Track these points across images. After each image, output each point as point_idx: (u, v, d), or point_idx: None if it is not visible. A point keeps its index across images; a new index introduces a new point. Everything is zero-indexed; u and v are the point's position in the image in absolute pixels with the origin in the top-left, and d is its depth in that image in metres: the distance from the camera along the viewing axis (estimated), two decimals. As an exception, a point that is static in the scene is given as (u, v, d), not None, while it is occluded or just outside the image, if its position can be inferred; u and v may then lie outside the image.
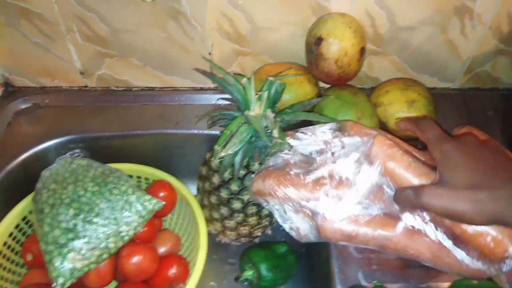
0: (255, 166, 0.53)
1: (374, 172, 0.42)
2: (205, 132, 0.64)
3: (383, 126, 0.60)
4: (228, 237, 0.60)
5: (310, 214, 0.43)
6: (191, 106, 0.67)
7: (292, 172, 0.44)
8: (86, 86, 0.69)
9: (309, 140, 0.46)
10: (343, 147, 0.44)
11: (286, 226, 0.46)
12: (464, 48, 0.64)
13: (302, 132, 0.48)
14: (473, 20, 0.60)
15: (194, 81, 0.68)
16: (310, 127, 0.48)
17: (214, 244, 0.62)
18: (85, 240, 0.50)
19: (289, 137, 0.48)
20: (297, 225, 0.45)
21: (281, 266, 0.59)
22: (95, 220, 0.51)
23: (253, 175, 0.50)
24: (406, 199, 0.40)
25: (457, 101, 0.69)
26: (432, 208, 0.38)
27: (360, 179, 0.42)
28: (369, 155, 0.42)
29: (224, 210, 0.55)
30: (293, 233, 0.46)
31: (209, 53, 0.64)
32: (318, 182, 0.42)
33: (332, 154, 0.44)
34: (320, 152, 0.45)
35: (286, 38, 0.62)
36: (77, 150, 0.63)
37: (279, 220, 0.46)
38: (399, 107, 0.59)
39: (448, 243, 0.40)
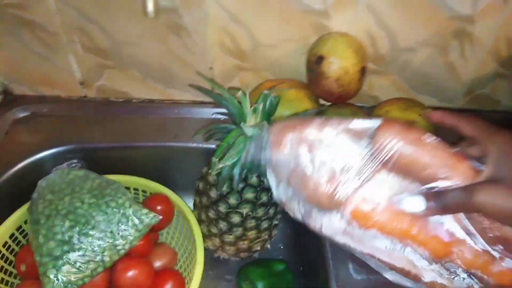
0: (253, 179, 0.53)
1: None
2: (204, 145, 0.64)
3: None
4: (227, 252, 0.60)
5: None
6: (191, 119, 0.67)
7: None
8: (85, 96, 0.68)
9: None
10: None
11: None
12: (464, 70, 0.65)
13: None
14: (473, 44, 0.61)
15: (194, 94, 0.68)
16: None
17: (211, 260, 0.61)
18: (80, 253, 0.50)
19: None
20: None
21: (278, 284, 0.59)
22: (91, 232, 0.51)
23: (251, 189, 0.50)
24: (454, 200, 0.34)
25: (456, 122, 0.69)
26: (489, 208, 0.33)
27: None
28: (375, 140, 0.35)
29: (223, 225, 0.55)
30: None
31: (210, 68, 0.64)
32: None
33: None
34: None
35: (287, 55, 0.62)
36: (74, 161, 0.63)
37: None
38: (398, 127, 0.59)
39: (495, 253, 0.36)
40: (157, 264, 0.59)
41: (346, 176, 0.36)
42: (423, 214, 0.35)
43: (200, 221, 0.57)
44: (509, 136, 0.35)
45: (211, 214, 0.54)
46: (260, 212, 0.54)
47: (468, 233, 0.35)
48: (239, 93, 0.49)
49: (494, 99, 0.70)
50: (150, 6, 0.42)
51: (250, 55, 0.62)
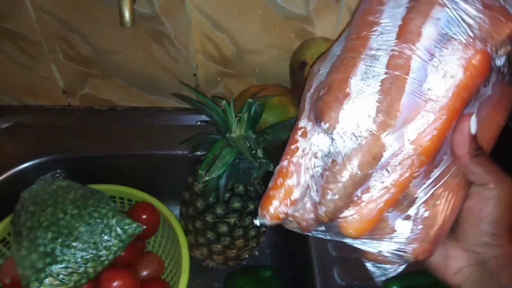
0: (240, 188, 0.53)
1: None
2: (189, 152, 0.64)
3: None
4: (216, 261, 0.59)
5: None
6: (176, 126, 0.67)
7: None
8: (69, 105, 0.68)
9: None
10: None
11: None
12: None
13: None
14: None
15: (179, 101, 0.68)
16: None
17: (198, 268, 0.61)
18: (63, 265, 0.49)
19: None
20: None
21: (265, 291, 0.59)
22: (73, 244, 0.50)
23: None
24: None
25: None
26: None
27: None
28: None
29: (210, 235, 0.54)
30: None
31: (194, 75, 0.64)
32: None
33: None
34: None
35: (271, 60, 0.62)
36: (58, 171, 0.62)
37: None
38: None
39: None
40: (144, 273, 0.58)
41: None
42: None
43: (187, 231, 0.57)
44: None
45: (198, 224, 0.54)
46: (248, 220, 0.54)
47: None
48: (223, 102, 0.49)
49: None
50: (127, 16, 0.42)
51: (234, 61, 0.62)
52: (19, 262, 0.50)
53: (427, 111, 0.28)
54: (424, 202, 0.30)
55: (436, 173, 0.30)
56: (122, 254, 0.54)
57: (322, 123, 0.30)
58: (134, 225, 0.53)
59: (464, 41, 0.28)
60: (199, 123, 0.58)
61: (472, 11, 0.29)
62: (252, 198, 0.53)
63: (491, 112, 0.31)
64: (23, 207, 0.54)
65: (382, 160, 0.29)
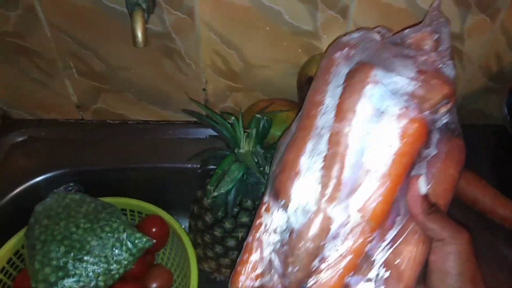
0: (248, 203, 0.53)
1: None
2: (199, 166, 0.65)
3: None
4: (224, 274, 0.60)
5: None
6: (186, 139, 0.68)
7: None
8: (82, 119, 0.69)
9: None
10: None
11: None
12: (456, 86, 0.65)
13: None
14: (463, 60, 0.62)
15: (189, 115, 0.69)
16: None
17: (207, 281, 0.61)
18: (75, 278, 0.50)
19: None
20: None
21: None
22: (85, 258, 0.51)
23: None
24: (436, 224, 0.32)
25: (449, 137, 0.70)
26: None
27: None
28: None
29: (219, 249, 0.55)
30: None
31: (204, 89, 0.65)
32: None
33: None
34: None
35: (279, 75, 0.63)
36: (71, 184, 0.64)
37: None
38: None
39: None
40: (153, 285, 0.59)
41: None
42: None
43: (196, 245, 0.57)
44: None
45: (207, 238, 0.54)
46: (255, 233, 0.54)
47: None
48: (232, 118, 0.50)
49: (486, 113, 0.70)
50: (140, 37, 0.43)
51: (242, 76, 0.63)
52: (32, 275, 0.51)
53: (369, 180, 0.30)
54: (384, 263, 0.31)
55: (391, 234, 0.32)
56: (132, 267, 0.55)
57: (279, 200, 0.32)
58: (145, 239, 0.54)
59: (398, 112, 0.30)
60: (208, 136, 0.59)
61: (405, 82, 0.31)
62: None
63: (442, 168, 0.32)
64: (37, 221, 0.55)
65: (332, 231, 0.31)
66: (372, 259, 0.31)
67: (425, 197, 0.32)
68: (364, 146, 0.31)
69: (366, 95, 0.31)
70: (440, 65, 0.33)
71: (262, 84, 0.64)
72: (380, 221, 0.31)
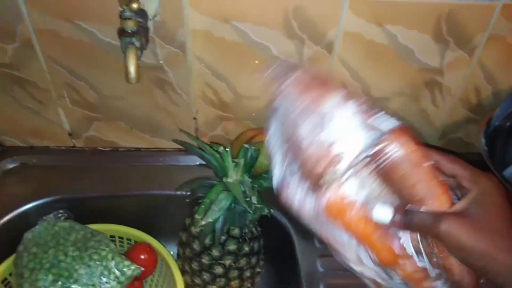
0: (236, 231, 0.54)
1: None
2: (188, 193, 0.66)
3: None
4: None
5: None
6: (176, 167, 0.70)
7: None
8: (74, 146, 0.71)
9: None
10: None
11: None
12: (437, 116, 0.68)
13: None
14: (443, 93, 0.64)
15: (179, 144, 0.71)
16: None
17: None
18: (62, 307, 0.50)
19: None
20: None
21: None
22: (73, 286, 0.51)
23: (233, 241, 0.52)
24: (421, 223, 0.35)
25: (433, 165, 0.72)
26: (449, 239, 0.34)
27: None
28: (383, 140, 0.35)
29: (206, 276, 0.56)
30: None
31: (194, 118, 0.67)
32: None
33: None
34: None
35: (267, 105, 0.65)
36: (61, 211, 0.64)
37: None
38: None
39: (433, 273, 0.38)
40: (141, 313, 0.59)
41: (340, 163, 0.35)
42: (385, 226, 0.36)
43: (183, 272, 0.58)
44: (491, 180, 0.36)
45: (195, 265, 0.55)
46: (243, 262, 0.55)
47: (417, 252, 0.37)
48: (221, 148, 0.52)
49: (467, 142, 0.72)
50: (133, 73, 0.45)
51: (232, 106, 0.65)
52: (19, 303, 0.51)
53: None
54: None
55: None
56: (120, 295, 0.55)
57: None
58: (133, 267, 0.54)
59: None
60: (198, 164, 0.60)
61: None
62: (247, 241, 0.55)
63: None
64: (26, 248, 0.55)
65: None
66: None
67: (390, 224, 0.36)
68: None
69: None
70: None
71: (251, 114, 0.66)
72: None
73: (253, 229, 0.56)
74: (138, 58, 0.46)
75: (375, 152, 0.35)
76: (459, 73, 0.62)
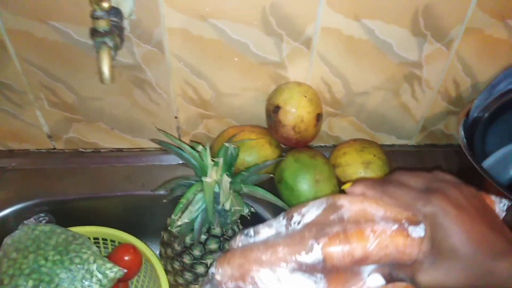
0: (216, 230, 0.54)
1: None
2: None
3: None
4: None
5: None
6: (158, 166, 0.69)
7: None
8: (54, 149, 0.70)
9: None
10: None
11: None
12: (416, 109, 0.68)
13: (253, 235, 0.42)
14: (422, 86, 0.65)
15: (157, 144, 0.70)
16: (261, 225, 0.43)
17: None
18: (44, 312, 0.50)
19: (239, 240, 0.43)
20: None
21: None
22: (54, 291, 0.51)
23: (213, 244, 0.52)
24: (404, 279, 0.35)
25: (414, 158, 0.72)
26: (433, 285, 0.33)
27: None
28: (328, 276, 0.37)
29: (189, 275, 0.55)
30: None
31: (175, 117, 0.66)
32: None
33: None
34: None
35: (248, 102, 0.65)
36: (42, 214, 0.63)
37: None
38: (355, 168, 0.61)
39: None
40: (126, 315, 0.59)
41: None
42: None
43: (166, 272, 0.58)
44: (440, 193, 0.33)
45: (176, 265, 0.55)
46: (225, 260, 0.55)
47: None
48: (200, 147, 0.51)
49: (447, 134, 0.73)
50: (106, 74, 0.44)
51: (213, 104, 0.65)
52: (0, 310, 0.51)
53: None
54: None
55: None
56: (104, 297, 0.55)
57: None
58: (115, 269, 0.54)
59: None
60: (179, 163, 0.60)
61: None
62: (229, 239, 0.55)
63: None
64: (5, 254, 0.54)
65: None
66: None
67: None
68: None
69: None
70: None
71: (232, 111, 0.66)
72: None
73: (235, 227, 0.56)
74: (112, 58, 0.45)
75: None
76: (437, 66, 0.63)
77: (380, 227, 0.36)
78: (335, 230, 0.36)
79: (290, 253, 0.37)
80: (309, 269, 0.37)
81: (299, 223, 0.40)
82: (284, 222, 0.41)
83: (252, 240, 0.42)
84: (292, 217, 0.40)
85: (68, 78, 0.60)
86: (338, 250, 0.36)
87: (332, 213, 0.38)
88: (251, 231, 0.42)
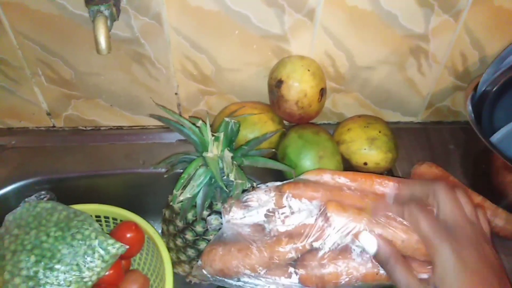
0: (218, 205, 0.54)
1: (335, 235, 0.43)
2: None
3: (347, 163, 0.62)
4: (198, 278, 0.60)
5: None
6: (159, 144, 0.68)
7: (253, 248, 0.45)
8: (53, 126, 0.69)
9: (255, 210, 0.46)
10: (292, 212, 0.45)
11: None
12: (423, 85, 0.67)
13: (247, 201, 0.47)
14: (429, 60, 0.63)
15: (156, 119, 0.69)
16: (253, 192, 0.47)
17: (184, 284, 0.61)
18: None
19: (236, 208, 0.48)
20: None
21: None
22: (56, 266, 0.51)
23: (214, 219, 0.51)
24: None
25: (420, 135, 0.71)
26: None
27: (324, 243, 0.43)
28: (326, 221, 0.43)
29: (191, 252, 0.55)
30: None
31: (176, 93, 0.65)
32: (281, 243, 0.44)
33: (282, 221, 0.45)
34: (268, 220, 0.46)
35: (250, 78, 0.64)
36: (43, 192, 0.63)
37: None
38: (360, 144, 0.60)
39: None
40: (129, 291, 0.59)
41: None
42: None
43: (169, 249, 0.57)
44: (456, 254, 0.35)
45: (179, 242, 0.54)
46: (227, 236, 0.55)
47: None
48: (200, 122, 0.50)
49: (454, 110, 0.72)
50: (103, 44, 0.43)
51: (214, 79, 0.63)
52: (2, 286, 0.51)
53: None
54: None
55: None
56: (107, 274, 0.55)
57: None
58: (117, 245, 0.54)
59: None
60: (177, 141, 0.59)
61: None
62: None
63: None
64: (7, 230, 0.54)
65: None
66: None
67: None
68: None
69: None
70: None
71: (234, 87, 0.65)
72: None
73: (238, 203, 0.56)
74: (108, 28, 0.44)
75: None
76: (444, 39, 0.61)
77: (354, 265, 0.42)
78: (313, 265, 0.43)
79: (268, 268, 0.44)
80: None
81: (284, 218, 0.45)
82: (273, 197, 0.46)
83: (241, 215, 0.47)
84: (282, 204, 0.45)
85: (65, 52, 0.59)
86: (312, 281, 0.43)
87: (320, 225, 0.42)
88: (244, 197, 0.47)
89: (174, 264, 0.58)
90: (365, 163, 0.60)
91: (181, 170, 0.52)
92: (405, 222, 0.42)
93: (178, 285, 0.55)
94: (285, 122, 0.65)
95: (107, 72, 0.61)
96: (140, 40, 0.58)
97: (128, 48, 0.58)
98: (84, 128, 0.69)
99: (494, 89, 0.59)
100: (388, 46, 0.61)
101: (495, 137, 0.57)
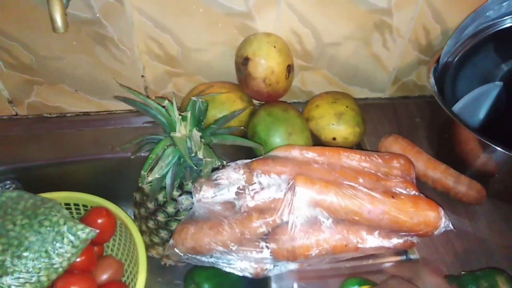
0: (189, 185, 0.53)
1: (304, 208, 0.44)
2: (142, 154, 0.64)
3: (316, 139, 0.63)
4: (172, 259, 0.60)
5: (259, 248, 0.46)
6: (127, 129, 0.67)
7: (225, 224, 0.46)
8: (16, 115, 0.67)
9: (225, 188, 0.48)
10: (262, 188, 0.46)
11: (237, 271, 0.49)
12: (388, 60, 0.68)
13: (217, 179, 0.49)
14: (393, 34, 0.64)
15: (122, 101, 0.68)
16: (223, 170, 0.49)
17: (158, 267, 0.61)
18: (15, 276, 0.49)
19: (206, 187, 0.49)
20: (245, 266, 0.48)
21: (224, 284, 0.60)
22: (24, 254, 0.50)
23: (185, 198, 0.51)
24: None
25: (387, 110, 0.72)
26: None
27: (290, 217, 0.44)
28: (294, 194, 0.44)
29: (164, 233, 0.55)
30: (246, 274, 0.49)
31: (142, 76, 0.64)
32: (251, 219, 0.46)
33: (252, 197, 0.46)
34: (239, 197, 0.46)
35: (217, 58, 0.63)
36: (8, 182, 0.61)
37: (224, 266, 0.50)
38: (329, 120, 0.61)
39: None
40: (103, 277, 0.58)
41: None
42: None
43: (141, 232, 0.57)
44: None
45: (151, 224, 0.54)
46: (200, 216, 0.55)
47: None
48: (166, 102, 0.50)
49: (420, 85, 0.73)
50: (59, 22, 0.42)
51: (180, 60, 0.63)
52: (-31, 276, 0.49)
53: None
54: None
55: None
56: (78, 259, 0.54)
57: None
58: (87, 230, 0.53)
59: None
60: (144, 123, 0.58)
61: None
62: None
63: None
64: (-29, 222, 0.53)
65: None
66: None
67: None
68: None
69: None
70: None
71: (201, 68, 0.64)
72: None
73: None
74: (64, 6, 0.43)
75: None
76: (407, 13, 0.62)
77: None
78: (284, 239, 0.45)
79: (239, 244, 0.46)
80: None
81: (254, 194, 0.46)
82: (243, 175, 0.48)
83: (212, 193, 0.48)
84: (252, 181, 0.47)
85: (23, 36, 0.56)
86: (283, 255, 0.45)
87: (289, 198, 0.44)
88: (214, 175, 0.49)
89: (148, 247, 0.58)
90: (334, 138, 0.61)
91: (149, 150, 0.51)
92: (371, 193, 0.44)
93: (153, 269, 0.55)
94: (254, 101, 0.65)
95: (69, 56, 0.59)
96: (101, 21, 0.56)
97: (89, 29, 0.57)
98: (49, 115, 0.67)
99: (455, 60, 0.61)
100: (352, 21, 0.61)
101: (457, 107, 0.59)
